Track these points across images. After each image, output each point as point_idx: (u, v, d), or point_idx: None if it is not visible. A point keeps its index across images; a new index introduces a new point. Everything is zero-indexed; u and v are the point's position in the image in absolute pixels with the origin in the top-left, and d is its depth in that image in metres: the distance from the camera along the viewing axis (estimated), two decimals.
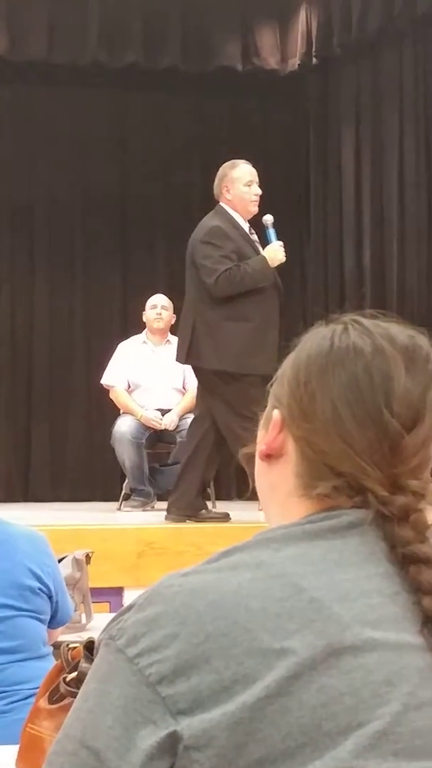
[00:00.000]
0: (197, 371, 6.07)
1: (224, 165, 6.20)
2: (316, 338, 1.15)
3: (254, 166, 6.03)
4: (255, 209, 6.07)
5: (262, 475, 1.17)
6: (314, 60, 8.47)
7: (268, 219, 6.05)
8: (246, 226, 6.07)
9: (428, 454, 1.10)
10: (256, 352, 5.65)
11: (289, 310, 8.23)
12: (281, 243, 5.98)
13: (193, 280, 6.07)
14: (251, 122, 9.06)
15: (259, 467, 1.17)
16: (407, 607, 1.01)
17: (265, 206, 9.05)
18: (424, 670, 0.98)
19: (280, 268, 6.02)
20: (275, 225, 6.10)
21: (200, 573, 1.02)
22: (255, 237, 6.09)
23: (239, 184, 6.07)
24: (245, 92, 8.92)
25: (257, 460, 1.17)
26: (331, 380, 1.10)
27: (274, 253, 5.93)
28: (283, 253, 5.96)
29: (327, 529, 1.05)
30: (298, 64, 8.54)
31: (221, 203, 6.11)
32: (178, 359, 6.14)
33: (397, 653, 0.98)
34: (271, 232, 6.01)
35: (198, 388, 6.16)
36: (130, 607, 1.02)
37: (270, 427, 1.15)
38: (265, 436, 1.16)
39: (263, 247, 6.00)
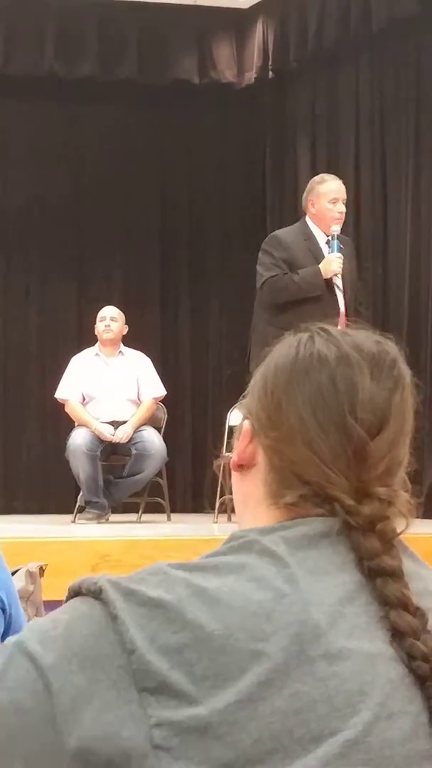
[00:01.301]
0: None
1: (313, 179, 6.36)
2: (283, 348, 1.15)
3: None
4: (337, 228, 6.14)
5: (237, 485, 1.17)
6: (270, 74, 8.50)
7: (333, 230, 6.15)
8: (323, 239, 6.17)
9: (397, 460, 1.10)
10: None
11: (246, 323, 8.25)
12: (339, 255, 6.05)
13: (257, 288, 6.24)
14: (208, 135, 9.08)
15: (234, 478, 1.17)
16: (378, 618, 1.01)
17: (221, 219, 9.12)
18: (395, 680, 0.98)
19: None
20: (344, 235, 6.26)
21: (185, 568, 1.01)
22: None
23: (324, 200, 6.16)
24: (202, 105, 8.94)
25: (232, 471, 1.17)
26: (296, 389, 1.10)
27: (329, 264, 6.02)
28: (339, 264, 6.04)
29: (301, 537, 1.04)
30: (255, 78, 8.58)
31: (306, 216, 6.25)
32: None
33: (369, 663, 0.98)
34: (334, 244, 6.11)
35: None
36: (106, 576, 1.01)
37: (240, 437, 1.15)
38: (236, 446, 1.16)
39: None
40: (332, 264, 6.01)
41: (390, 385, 1.10)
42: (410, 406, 1.12)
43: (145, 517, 7.29)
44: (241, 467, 1.15)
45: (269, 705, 0.94)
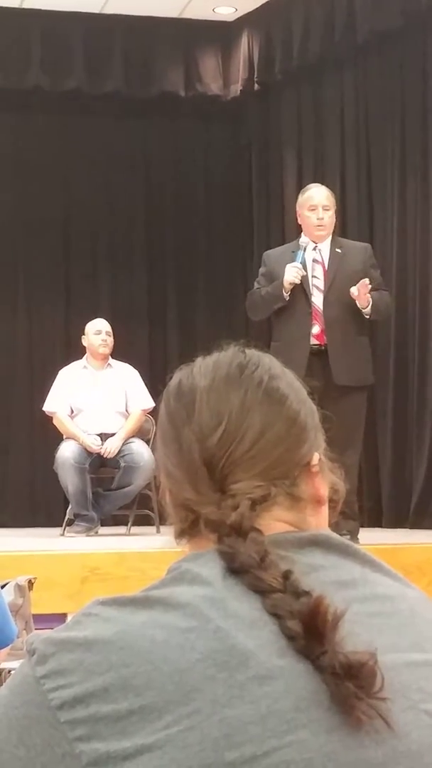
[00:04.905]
0: None
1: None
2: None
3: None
4: (320, 233, 6.19)
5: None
6: (256, 86, 8.53)
7: (302, 241, 6.21)
8: (311, 248, 6.22)
9: (248, 455, 1.10)
10: None
11: (234, 334, 8.26)
12: (296, 264, 6.10)
13: None
14: (194, 147, 9.10)
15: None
16: None
17: (207, 231, 9.13)
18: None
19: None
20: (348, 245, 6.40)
21: (118, 604, 1.03)
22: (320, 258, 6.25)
23: (303, 209, 6.24)
24: (188, 117, 8.97)
25: None
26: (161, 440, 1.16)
27: (285, 274, 6.07)
28: (293, 274, 6.07)
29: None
30: (240, 90, 8.60)
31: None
32: None
33: (307, 678, 0.97)
34: (297, 254, 6.16)
35: None
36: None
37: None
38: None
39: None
40: (287, 273, 6.08)
41: (235, 390, 1.12)
42: (259, 401, 1.12)
43: (135, 529, 7.28)
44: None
45: (198, 733, 0.94)
